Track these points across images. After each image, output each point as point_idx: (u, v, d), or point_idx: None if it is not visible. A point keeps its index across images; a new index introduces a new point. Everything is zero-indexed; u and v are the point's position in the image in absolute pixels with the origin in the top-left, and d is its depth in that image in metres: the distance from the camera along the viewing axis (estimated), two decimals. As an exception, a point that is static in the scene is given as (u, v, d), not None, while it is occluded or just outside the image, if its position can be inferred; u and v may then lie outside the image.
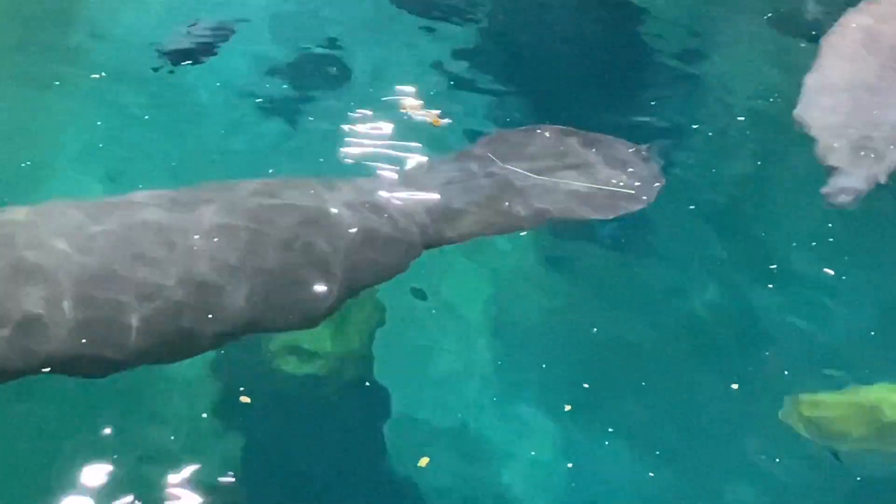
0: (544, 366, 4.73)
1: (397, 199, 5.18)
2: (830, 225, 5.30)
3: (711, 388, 4.60)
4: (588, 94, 6.69)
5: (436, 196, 5.26)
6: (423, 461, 4.34)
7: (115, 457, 4.22)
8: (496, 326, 4.95)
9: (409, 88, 6.36)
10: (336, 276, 4.64)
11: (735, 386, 4.57)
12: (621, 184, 5.54)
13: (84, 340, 4.28)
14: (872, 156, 5.51)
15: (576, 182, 5.49)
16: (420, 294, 5.00)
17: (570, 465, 4.34)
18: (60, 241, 4.48)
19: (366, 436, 4.50)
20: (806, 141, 5.81)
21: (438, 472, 4.33)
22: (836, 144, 5.60)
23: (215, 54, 6.76)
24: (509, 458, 4.41)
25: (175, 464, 4.20)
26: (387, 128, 5.99)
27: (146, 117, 6.17)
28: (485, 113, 6.32)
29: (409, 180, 5.41)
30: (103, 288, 4.36)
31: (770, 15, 7.32)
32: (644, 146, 5.79)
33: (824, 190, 5.36)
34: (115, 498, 4.11)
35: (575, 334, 4.88)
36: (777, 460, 4.29)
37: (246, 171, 5.72)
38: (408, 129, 5.98)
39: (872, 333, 4.87)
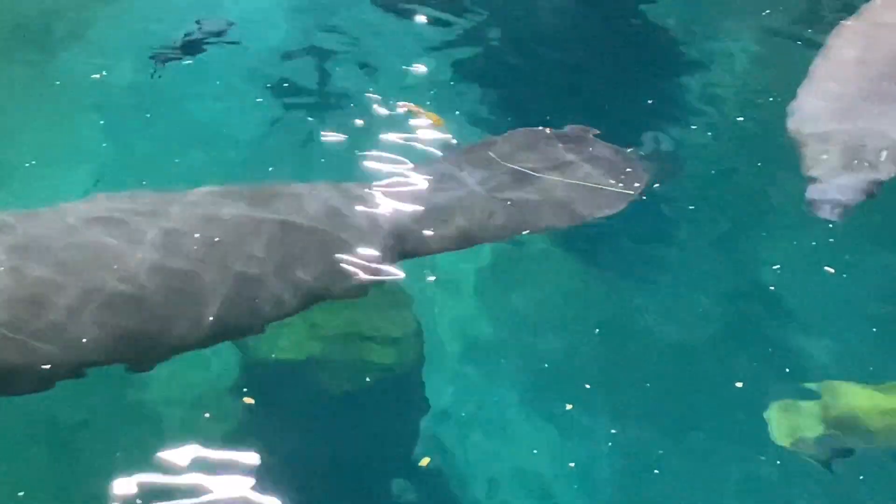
0: (546, 365, 4.73)
1: (379, 206, 5.16)
2: (831, 225, 5.28)
3: (714, 388, 4.61)
4: (586, 95, 6.67)
5: (424, 203, 5.23)
6: (424, 461, 4.35)
7: (117, 458, 4.23)
8: (497, 326, 4.95)
9: (411, 89, 6.38)
10: (292, 287, 4.63)
11: (739, 385, 4.57)
12: (621, 184, 5.54)
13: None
14: (864, 166, 5.42)
15: (575, 181, 5.49)
16: (422, 294, 5.00)
17: (571, 464, 4.34)
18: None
19: (367, 436, 4.49)
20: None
21: (439, 472, 4.33)
22: (824, 154, 5.51)
23: (215, 54, 6.76)
24: (510, 458, 4.41)
25: (177, 464, 4.20)
26: (387, 128, 5.99)
27: (147, 115, 6.18)
28: (485, 113, 6.32)
29: (400, 185, 5.39)
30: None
31: (768, 13, 7.31)
32: (630, 149, 5.77)
33: (808, 200, 5.28)
34: (118, 499, 4.11)
35: (576, 334, 4.89)
36: (779, 461, 4.29)
37: (246, 171, 5.78)
38: (408, 130, 5.98)
39: (874, 330, 4.87)
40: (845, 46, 6.30)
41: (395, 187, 5.33)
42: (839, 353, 4.75)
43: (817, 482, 4.25)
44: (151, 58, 6.62)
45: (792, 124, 5.81)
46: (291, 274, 4.64)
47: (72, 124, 6.11)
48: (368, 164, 5.65)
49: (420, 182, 5.40)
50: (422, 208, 5.17)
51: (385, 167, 5.58)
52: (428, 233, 5.05)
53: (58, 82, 6.41)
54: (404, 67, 6.65)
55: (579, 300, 5.11)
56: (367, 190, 5.26)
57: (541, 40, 7.23)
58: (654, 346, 4.83)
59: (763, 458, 4.31)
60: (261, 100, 6.39)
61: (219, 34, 6.88)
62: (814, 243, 5.25)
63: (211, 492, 4.12)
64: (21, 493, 4.17)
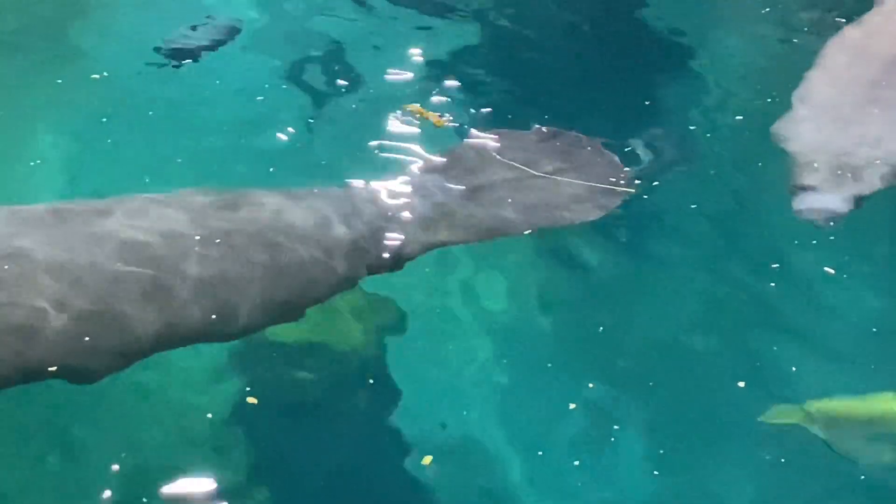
0: (549, 365, 4.74)
1: (376, 208, 5.16)
2: (832, 224, 5.30)
3: (717, 387, 4.62)
4: (585, 95, 6.67)
5: (422, 203, 5.24)
6: (427, 460, 4.35)
7: (120, 458, 4.23)
8: (500, 325, 4.96)
9: (411, 89, 6.38)
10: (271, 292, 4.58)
11: (741, 384, 4.58)
12: (622, 182, 5.56)
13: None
14: (850, 175, 5.38)
15: (574, 181, 5.50)
16: (424, 294, 5.02)
17: (575, 462, 4.35)
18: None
19: (370, 435, 4.50)
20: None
21: (442, 471, 4.34)
22: (814, 163, 5.47)
23: (216, 54, 6.76)
24: (513, 457, 4.41)
25: (180, 464, 4.21)
26: (387, 128, 5.99)
27: (150, 113, 6.17)
28: (485, 113, 6.29)
29: (398, 185, 5.39)
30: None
31: (768, 10, 7.31)
32: (616, 155, 5.77)
33: (797, 209, 5.26)
34: (120, 499, 4.11)
35: (580, 334, 4.90)
36: (783, 460, 4.30)
37: (246, 170, 5.78)
38: (409, 130, 5.98)
39: (874, 330, 4.88)
40: (840, 55, 6.26)
41: (392, 187, 5.34)
42: (839, 353, 4.76)
43: (818, 482, 4.28)
44: (161, 57, 6.65)
45: (783, 132, 5.78)
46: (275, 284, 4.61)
47: (73, 124, 6.10)
48: (368, 164, 5.64)
49: (418, 183, 5.41)
50: (420, 208, 5.18)
51: (384, 168, 5.58)
52: (425, 234, 5.06)
53: (59, 81, 6.40)
54: (405, 67, 6.64)
55: (581, 299, 5.12)
56: (364, 192, 5.26)
57: (540, 40, 7.23)
58: (656, 345, 4.84)
59: (767, 457, 4.32)
60: (261, 98, 6.39)
61: (224, 34, 6.87)
62: (814, 242, 5.25)
63: (213, 492, 4.13)
64: (20, 493, 4.19)
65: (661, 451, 4.37)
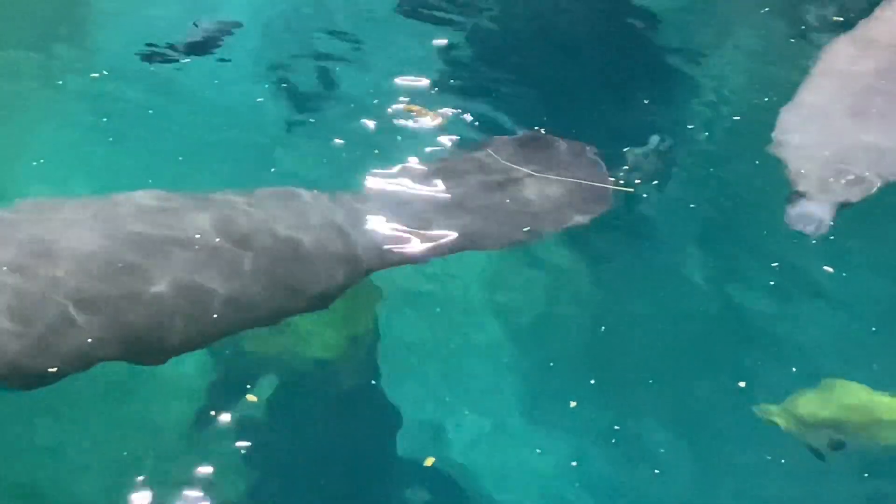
0: (551, 363, 4.76)
1: (373, 213, 5.15)
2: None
3: (717, 386, 4.63)
4: (584, 94, 6.67)
5: (419, 208, 5.23)
6: (429, 461, 4.37)
7: (119, 457, 4.26)
8: (502, 324, 4.96)
9: (409, 87, 6.37)
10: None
11: (742, 384, 4.59)
12: (621, 182, 5.56)
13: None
14: (844, 182, 5.34)
15: (572, 179, 5.50)
16: (425, 293, 5.02)
17: (574, 462, 4.36)
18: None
19: (372, 435, 4.52)
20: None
21: (443, 471, 4.36)
22: (804, 169, 5.43)
23: (215, 53, 6.76)
24: (514, 456, 4.43)
25: (181, 463, 4.23)
26: (386, 127, 6.01)
27: (150, 112, 6.18)
28: (484, 112, 6.30)
29: (395, 188, 5.39)
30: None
31: (767, 10, 7.31)
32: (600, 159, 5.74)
33: (788, 216, 5.24)
34: (122, 496, 4.12)
35: (581, 332, 4.91)
36: (783, 460, 4.32)
37: (246, 170, 5.78)
38: (407, 129, 6.00)
39: (874, 329, 4.89)
40: (835, 61, 6.22)
41: (390, 190, 5.36)
42: (839, 352, 4.78)
43: (819, 481, 4.29)
44: (147, 58, 6.64)
45: (775, 139, 5.74)
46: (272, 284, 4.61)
47: (74, 123, 6.11)
48: (366, 163, 5.64)
49: (415, 186, 5.40)
50: (417, 214, 5.17)
51: (383, 169, 5.57)
52: (419, 238, 5.03)
53: (60, 82, 6.41)
54: (404, 67, 6.63)
55: (582, 298, 5.12)
56: (361, 195, 5.28)
57: (538, 39, 7.22)
58: (656, 344, 4.85)
59: (768, 457, 4.33)
60: (261, 99, 6.40)
61: (223, 34, 6.87)
62: (813, 241, 5.23)
63: (213, 491, 4.14)
64: (20, 493, 4.20)
65: (662, 451, 4.38)
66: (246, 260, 4.58)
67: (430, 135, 5.97)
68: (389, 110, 6.13)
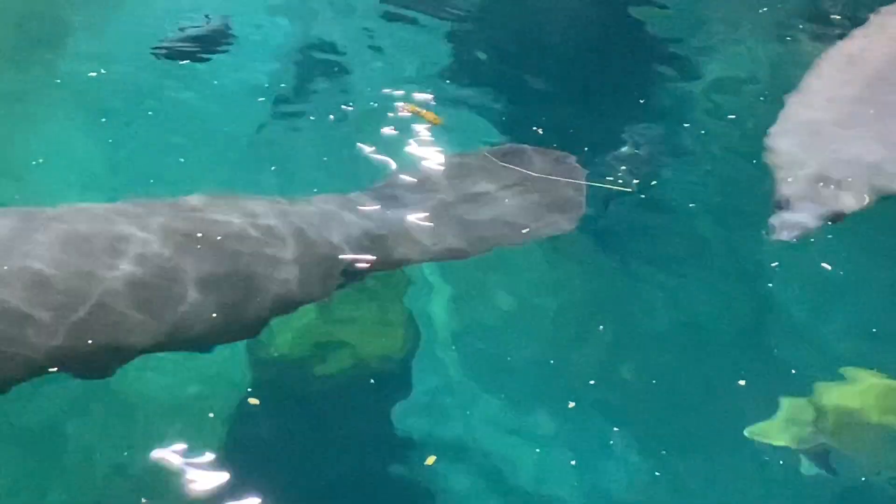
0: (552, 362, 4.76)
1: (371, 212, 5.14)
2: (829, 222, 5.31)
3: (716, 386, 4.63)
4: (580, 94, 6.68)
5: (416, 211, 5.21)
6: (430, 459, 4.37)
7: (121, 458, 4.26)
8: (502, 324, 4.97)
9: (407, 88, 6.37)
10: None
11: (742, 382, 4.60)
12: (619, 182, 5.58)
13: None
14: (830, 191, 5.29)
15: (571, 179, 5.51)
16: (425, 294, 5.03)
17: (573, 462, 4.37)
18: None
19: (373, 434, 4.52)
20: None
21: (445, 470, 4.36)
22: (791, 177, 5.40)
23: (214, 53, 6.76)
24: (515, 456, 4.43)
25: (183, 464, 4.21)
26: (384, 127, 6.00)
27: (150, 114, 6.17)
28: (482, 112, 6.33)
29: (391, 191, 5.39)
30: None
31: (765, 10, 7.32)
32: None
33: (771, 225, 5.17)
34: (122, 498, 4.14)
35: (581, 332, 4.91)
36: (781, 461, 4.32)
37: (245, 170, 5.80)
38: (405, 129, 5.99)
39: (874, 330, 4.89)
40: (827, 70, 6.17)
41: (388, 193, 5.35)
42: (838, 352, 4.78)
43: (819, 482, 4.29)
44: (158, 56, 6.63)
45: (765, 146, 5.70)
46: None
47: (72, 123, 6.10)
48: (364, 164, 5.68)
49: (411, 190, 5.41)
50: (413, 217, 5.17)
51: (380, 170, 5.61)
52: (413, 243, 5.04)
53: (58, 80, 6.41)
54: (402, 67, 6.66)
55: (581, 298, 5.13)
56: (358, 200, 5.25)
57: (537, 40, 7.22)
58: (656, 344, 4.86)
59: (766, 457, 4.33)
60: (262, 99, 6.39)
61: (222, 34, 6.87)
62: (812, 240, 5.22)
63: (214, 492, 4.14)
64: (20, 493, 4.20)
65: (662, 451, 4.38)
66: (217, 263, 4.55)
67: (429, 133, 5.97)
68: (389, 111, 6.14)
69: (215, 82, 6.52)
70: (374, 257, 4.87)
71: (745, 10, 7.35)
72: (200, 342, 4.48)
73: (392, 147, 5.81)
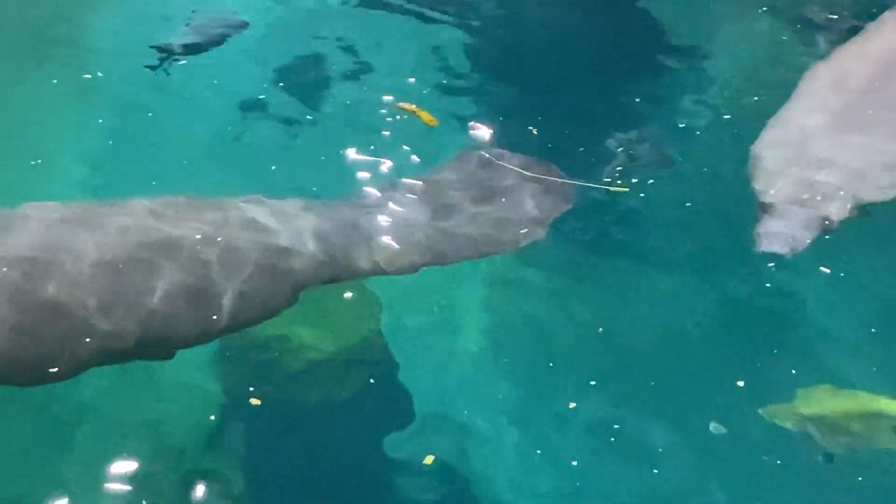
0: (551, 364, 4.77)
1: (370, 218, 5.16)
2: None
3: (716, 386, 4.64)
4: (577, 93, 6.67)
5: (412, 216, 5.25)
6: (429, 459, 4.38)
7: (123, 458, 4.26)
8: (501, 325, 4.98)
9: (404, 88, 6.39)
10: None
11: (741, 384, 4.61)
12: (618, 182, 5.59)
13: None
14: (816, 200, 5.24)
15: (571, 180, 5.53)
16: (424, 294, 5.03)
17: (574, 462, 4.38)
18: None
19: (372, 435, 4.51)
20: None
21: (443, 471, 4.37)
22: (773, 189, 5.34)
23: (212, 53, 6.74)
24: (514, 456, 4.44)
25: (184, 466, 4.24)
26: (382, 127, 6.02)
27: (150, 114, 6.17)
28: (477, 113, 6.31)
29: (391, 196, 5.40)
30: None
31: (764, 9, 7.32)
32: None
33: (757, 236, 5.13)
34: (124, 499, 4.13)
35: (580, 333, 4.92)
36: (779, 462, 4.34)
37: (243, 170, 5.80)
38: (402, 130, 6.01)
39: (873, 330, 4.91)
40: (819, 79, 6.12)
41: (386, 197, 5.38)
42: (837, 353, 4.79)
43: (818, 482, 4.31)
44: (156, 56, 6.61)
45: (753, 155, 5.64)
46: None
47: (70, 124, 6.10)
48: (362, 165, 5.67)
49: (410, 194, 5.43)
50: (409, 222, 5.20)
51: (378, 172, 5.62)
52: (405, 249, 5.05)
53: (55, 81, 6.40)
54: (399, 67, 6.65)
55: (580, 299, 5.12)
56: (354, 205, 5.30)
57: (533, 39, 7.23)
58: (655, 344, 4.87)
59: (765, 457, 4.35)
60: (263, 97, 6.40)
61: (220, 34, 6.86)
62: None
63: (215, 492, 4.15)
64: (19, 493, 4.20)
65: (661, 451, 4.40)
66: (202, 265, 4.55)
67: (425, 134, 5.99)
68: (387, 111, 6.15)
69: (214, 82, 6.51)
70: (371, 265, 4.90)
71: (744, 9, 7.35)
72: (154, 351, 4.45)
73: (391, 149, 5.82)
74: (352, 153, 5.78)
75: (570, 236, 5.35)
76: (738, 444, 4.40)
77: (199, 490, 4.15)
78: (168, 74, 6.52)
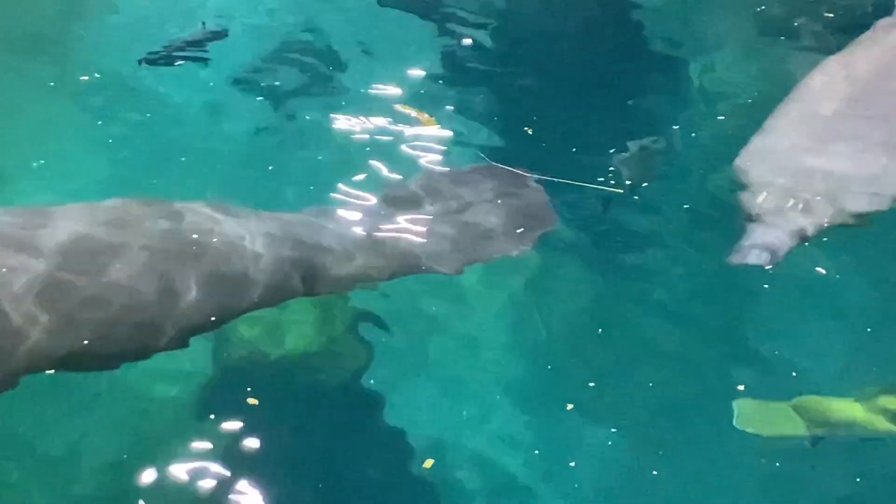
0: (549, 367, 4.78)
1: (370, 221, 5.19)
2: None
3: (714, 389, 4.64)
4: (574, 95, 6.70)
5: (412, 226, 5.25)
6: (428, 463, 4.38)
7: (120, 458, 4.26)
8: (500, 326, 4.98)
9: (401, 89, 6.40)
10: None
11: (740, 387, 4.61)
12: (612, 182, 5.60)
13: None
14: (799, 209, 5.24)
15: (566, 181, 5.53)
16: (424, 297, 5.03)
17: (572, 463, 4.38)
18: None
19: (372, 437, 4.51)
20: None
21: (442, 473, 4.37)
22: (759, 198, 5.35)
23: (208, 55, 6.74)
24: (513, 457, 4.44)
25: (184, 466, 4.21)
26: (379, 128, 6.02)
27: (148, 115, 6.18)
28: (474, 114, 6.35)
29: (388, 200, 5.42)
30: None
31: (759, 10, 7.33)
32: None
33: (739, 248, 5.09)
34: (121, 499, 4.13)
35: (579, 335, 4.93)
36: (778, 463, 4.34)
37: (241, 170, 5.80)
38: (400, 130, 6.01)
39: (869, 330, 4.91)
40: (810, 88, 6.12)
41: (383, 201, 5.41)
42: (836, 353, 4.80)
43: (816, 483, 4.32)
44: (141, 60, 6.61)
45: (740, 163, 5.65)
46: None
47: (68, 125, 6.11)
48: (360, 166, 5.68)
49: (401, 199, 5.44)
50: (407, 229, 5.21)
51: (372, 169, 5.64)
52: (404, 255, 5.07)
53: (52, 83, 6.41)
54: (397, 68, 6.65)
55: (577, 302, 5.13)
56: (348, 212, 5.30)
57: (531, 41, 7.25)
58: (654, 347, 4.87)
59: (763, 459, 4.35)
60: (261, 98, 6.42)
61: (216, 36, 6.85)
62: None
63: (215, 492, 4.14)
64: (19, 493, 4.19)
65: (660, 453, 4.40)
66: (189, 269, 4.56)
67: (423, 135, 5.99)
68: (385, 112, 6.15)
69: (211, 84, 6.53)
70: (373, 270, 4.93)
71: (741, 10, 7.36)
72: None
73: (389, 149, 5.84)
74: (351, 153, 5.82)
75: (566, 238, 5.36)
76: (736, 446, 4.40)
77: (198, 490, 4.14)
78: (164, 77, 6.55)
